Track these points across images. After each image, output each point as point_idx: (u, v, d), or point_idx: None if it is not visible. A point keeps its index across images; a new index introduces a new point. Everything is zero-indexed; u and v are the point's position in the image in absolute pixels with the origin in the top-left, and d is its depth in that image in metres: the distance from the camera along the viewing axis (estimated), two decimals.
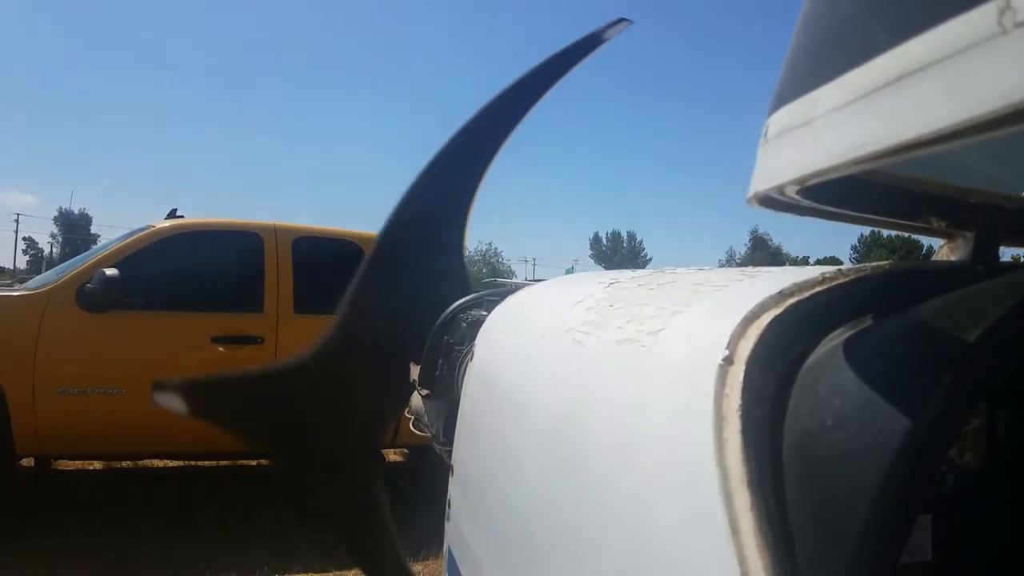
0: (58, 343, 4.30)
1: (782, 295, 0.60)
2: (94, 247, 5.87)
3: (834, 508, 0.48)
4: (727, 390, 0.54)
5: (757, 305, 0.60)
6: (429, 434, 1.78)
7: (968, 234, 0.78)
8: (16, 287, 4.71)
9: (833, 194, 0.64)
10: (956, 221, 0.76)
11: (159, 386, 1.53)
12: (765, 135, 0.56)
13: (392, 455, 6.29)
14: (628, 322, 0.76)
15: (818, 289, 0.60)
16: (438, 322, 1.82)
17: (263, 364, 4.70)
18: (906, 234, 0.90)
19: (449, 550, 1.27)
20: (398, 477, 5.98)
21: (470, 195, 1.84)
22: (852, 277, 0.62)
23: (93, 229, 74.02)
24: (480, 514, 1.08)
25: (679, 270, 0.92)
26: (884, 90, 0.40)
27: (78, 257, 5.17)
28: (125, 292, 4.34)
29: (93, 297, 4.29)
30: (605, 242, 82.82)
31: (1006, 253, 0.84)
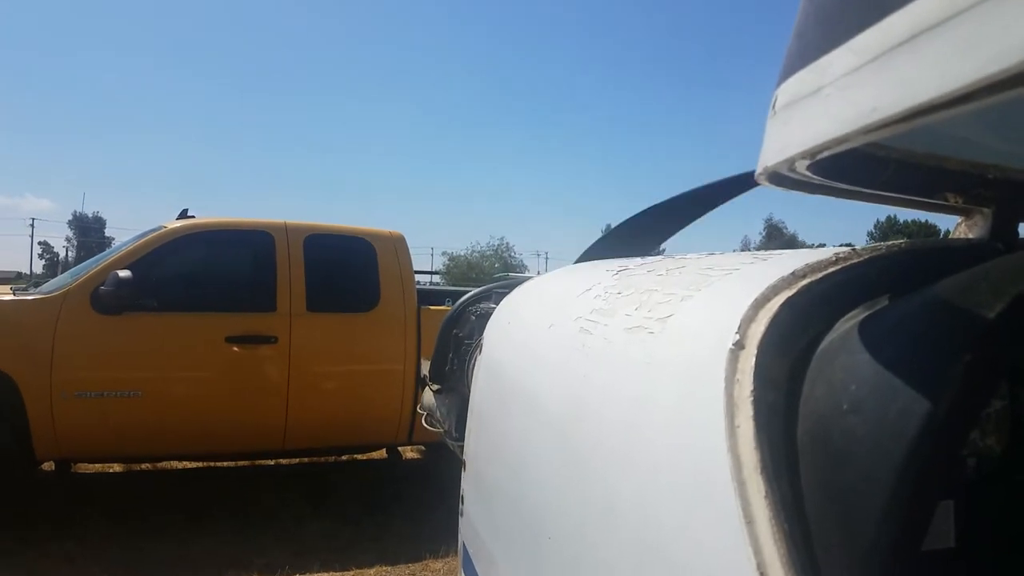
0: (74, 347, 4.30)
1: (795, 276, 0.58)
2: (108, 249, 5.89)
3: (852, 496, 0.46)
4: (738, 376, 0.53)
5: (769, 288, 0.58)
6: (442, 430, 1.77)
7: (986, 210, 0.76)
8: (31, 291, 4.73)
9: (846, 170, 0.62)
10: (974, 197, 0.74)
11: None
12: (773, 107, 0.54)
13: (409, 452, 6.30)
14: (636, 309, 0.75)
15: (832, 270, 0.59)
16: (447, 316, 1.81)
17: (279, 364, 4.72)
18: (924, 219, 0.88)
19: (464, 545, 1.26)
20: (415, 474, 5.99)
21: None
22: (867, 257, 0.60)
23: (107, 232, 74.78)
24: (493, 509, 1.07)
25: (689, 256, 0.90)
26: (897, 50, 0.38)
27: (91, 260, 5.20)
28: (138, 294, 4.34)
29: (107, 299, 4.29)
30: None
31: None
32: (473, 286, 2.52)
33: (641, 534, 0.59)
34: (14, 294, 4.60)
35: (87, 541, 4.19)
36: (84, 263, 5.27)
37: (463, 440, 1.35)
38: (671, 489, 0.56)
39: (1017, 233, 0.76)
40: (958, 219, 0.81)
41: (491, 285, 1.82)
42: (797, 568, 0.44)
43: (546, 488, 0.83)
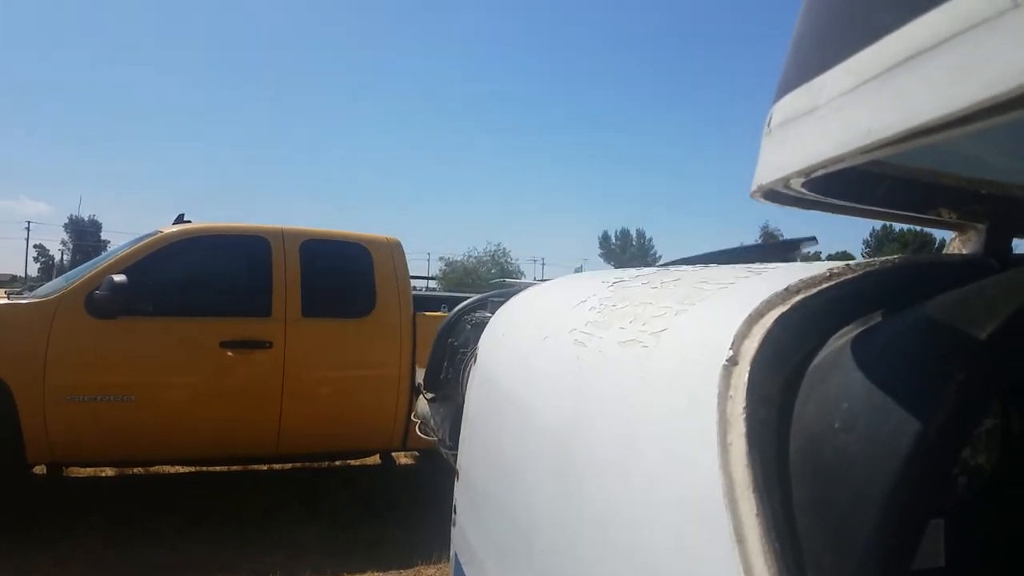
0: (68, 350, 4.28)
1: (788, 292, 0.58)
2: (104, 253, 5.88)
3: (843, 514, 0.46)
4: (731, 392, 0.53)
5: (762, 303, 0.58)
6: (436, 438, 1.77)
7: (980, 226, 0.76)
8: (26, 294, 4.72)
9: (840, 187, 0.62)
10: (968, 212, 0.74)
11: None
12: (768, 125, 0.54)
13: (402, 458, 6.28)
14: (631, 322, 0.74)
15: (826, 285, 0.59)
16: (442, 325, 1.81)
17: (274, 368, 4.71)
18: (918, 227, 0.88)
19: (455, 555, 1.26)
20: (409, 480, 5.97)
21: None
22: (861, 272, 0.60)
23: (103, 235, 74.60)
24: (485, 520, 1.07)
25: (684, 267, 0.90)
26: (893, 71, 0.38)
27: (87, 264, 5.18)
28: (134, 298, 4.33)
29: (102, 303, 4.28)
30: (614, 241, 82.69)
31: (1020, 245, 0.82)
32: (470, 292, 2.51)
33: (633, 549, 0.59)
34: (8, 297, 4.58)
35: (79, 545, 4.17)
36: (80, 267, 5.25)
37: (457, 449, 1.34)
38: (663, 505, 0.56)
39: (1011, 249, 0.76)
40: (953, 232, 0.82)
41: (487, 294, 1.82)
42: None
43: (539, 500, 0.82)
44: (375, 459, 5.72)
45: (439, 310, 5.45)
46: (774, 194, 0.60)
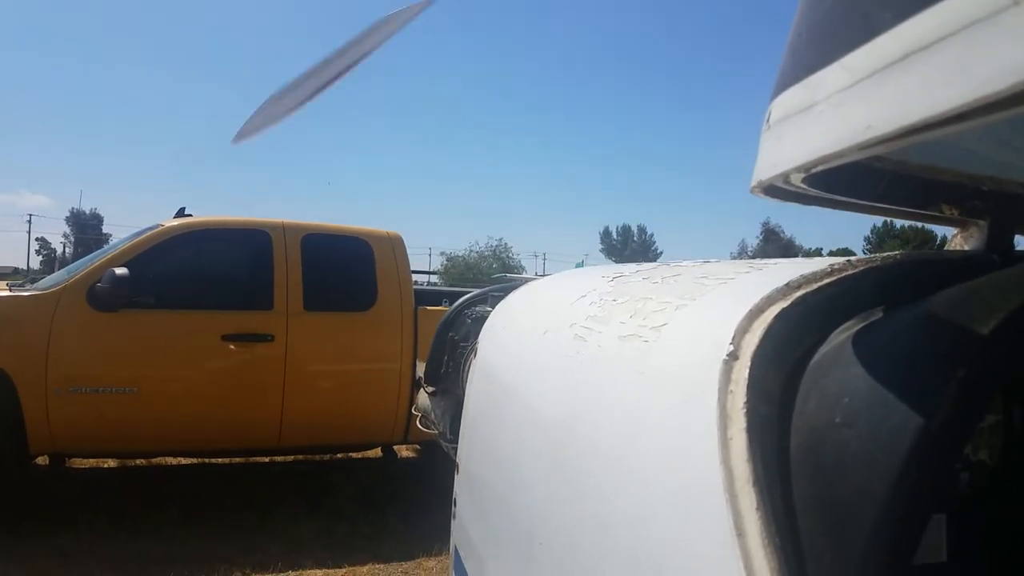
0: (69, 343, 4.29)
1: (789, 287, 0.58)
2: (105, 246, 5.88)
3: (844, 509, 0.46)
4: (732, 387, 0.53)
5: (763, 298, 0.58)
6: (436, 431, 1.77)
7: (982, 222, 0.76)
8: (27, 287, 4.72)
9: (840, 182, 0.62)
10: (969, 209, 0.74)
11: None
12: (767, 121, 0.54)
13: (404, 451, 6.30)
14: (631, 317, 0.74)
15: (827, 281, 0.58)
16: (443, 319, 1.81)
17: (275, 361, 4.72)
18: (919, 224, 0.88)
19: (455, 548, 1.26)
20: (410, 473, 5.99)
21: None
22: (862, 268, 0.60)
23: (105, 228, 74.69)
24: (485, 513, 1.07)
25: (685, 263, 0.90)
26: (890, 69, 0.38)
27: (88, 256, 5.18)
28: (135, 291, 4.33)
29: (103, 296, 4.28)
30: (616, 236, 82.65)
31: (1021, 242, 0.82)
32: (471, 287, 2.52)
33: (633, 543, 0.59)
34: (10, 290, 4.59)
35: (81, 536, 4.18)
36: (81, 260, 5.26)
37: (457, 442, 1.35)
38: (663, 499, 0.56)
39: (1013, 245, 0.76)
40: (954, 229, 0.82)
41: (487, 288, 1.82)
42: None
43: (538, 494, 0.82)
44: (376, 452, 5.74)
45: (440, 304, 5.46)
46: (774, 189, 0.60)
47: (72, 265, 5.24)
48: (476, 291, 1.87)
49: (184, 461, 5.81)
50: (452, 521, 1.30)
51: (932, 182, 0.67)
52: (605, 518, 0.65)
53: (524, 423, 0.93)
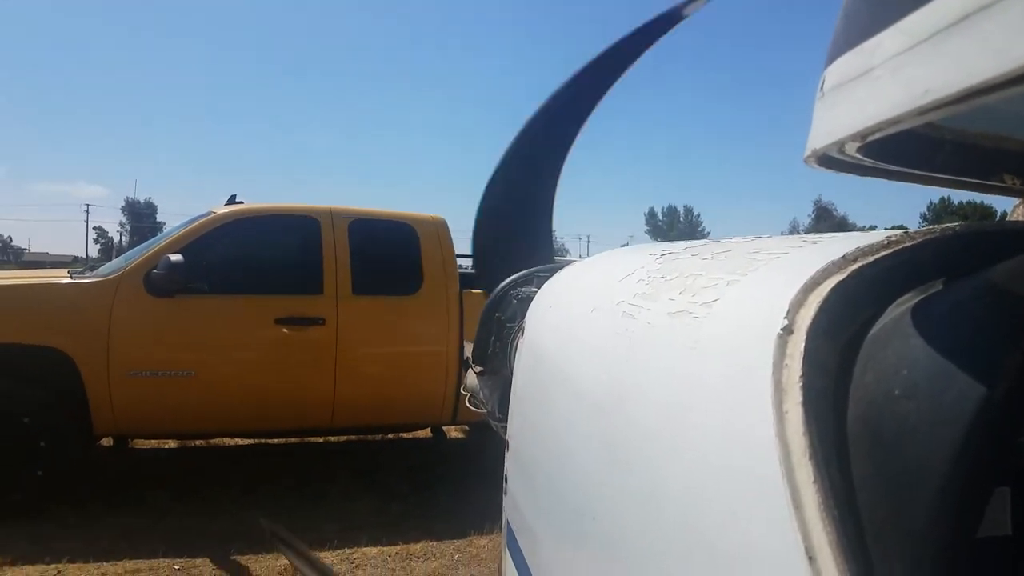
0: (129, 327, 4.45)
1: (845, 260, 0.57)
2: (160, 234, 6.04)
3: (904, 482, 0.45)
4: (787, 361, 0.52)
5: (819, 271, 0.57)
6: (485, 411, 1.79)
7: None
8: (87, 274, 4.89)
9: (897, 151, 0.60)
10: None
11: None
12: (822, 88, 0.53)
13: (453, 432, 6.37)
14: (680, 294, 0.74)
15: (884, 253, 0.57)
16: (490, 299, 1.82)
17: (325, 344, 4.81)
18: (979, 199, 0.85)
19: (507, 523, 1.28)
20: (460, 453, 6.06)
21: (555, 170, 1.85)
22: (920, 240, 0.59)
23: (159, 217, 76.84)
24: (535, 489, 1.08)
25: (735, 239, 0.89)
26: (949, 30, 0.37)
27: (144, 244, 5.34)
28: (190, 277, 4.47)
29: (160, 282, 4.42)
30: (661, 217, 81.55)
31: None
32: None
33: (686, 518, 0.60)
34: (72, 277, 4.76)
35: (143, 514, 4.35)
36: (137, 247, 5.43)
37: (506, 420, 1.36)
38: (716, 474, 0.56)
39: None
40: (1015, 201, 0.79)
41: (533, 269, 1.82)
42: (847, 553, 0.44)
43: (588, 470, 0.83)
44: (426, 433, 5.82)
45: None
46: (829, 160, 0.59)
47: (129, 252, 5.40)
48: (522, 272, 1.88)
49: (241, 442, 5.98)
50: (504, 497, 1.31)
51: (993, 151, 0.65)
52: (656, 493, 0.65)
53: (572, 400, 0.94)
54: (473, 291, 5.22)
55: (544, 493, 1.03)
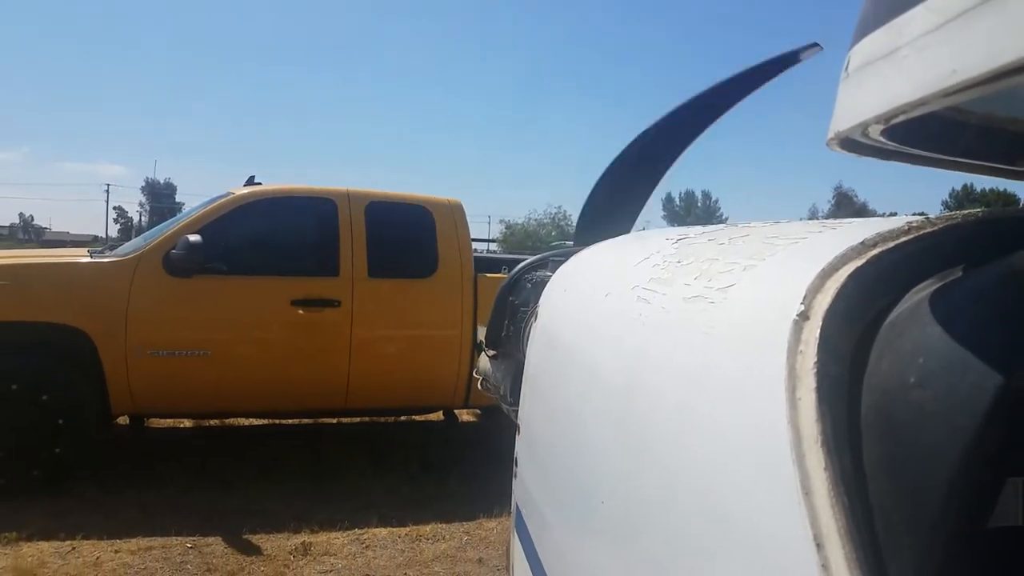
0: (147, 307, 4.49)
1: (864, 246, 0.56)
2: (179, 214, 6.09)
3: (916, 470, 0.44)
4: (802, 347, 0.51)
5: (837, 257, 0.56)
6: (497, 395, 1.80)
7: None
8: (107, 254, 4.93)
9: (922, 135, 0.59)
10: None
11: None
12: (846, 69, 0.52)
13: (465, 415, 6.40)
14: (696, 279, 0.73)
15: (904, 239, 0.56)
16: (504, 283, 1.82)
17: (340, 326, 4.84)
18: (1003, 187, 0.84)
19: (517, 507, 1.28)
20: (471, 437, 6.09)
21: (645, 195, 1.88)
22: (941, 226, 0.57)
23: (178, 197, 77.40)
24: (546, 473, 1.08)
25: (753, 224, 0.88)
26: (979, 9, 0.36)
27: (163, 224, 5.38)
28: (208, 257, 4.50)
29: (179, 262, 4.45)
30: (679, 202, 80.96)
31: None
32: (530, 254, 2.52)
33: (696, 502, 0.59)
34: (91, 256, 4.80)
35: (162, 492, 4.41)
36: (156, 227, 5.46)
37: (518, 405, 1.36)
38: (728, 459, 0.56)
39: None
40: None
41: (547, 253, 1.81)
42: (856, 541, 0.43)
43: (599, 454, 0.83)
44: (438, 416, 5.85)
45: (500, 271, 5.48)
46: (851, 143, 0.58)
47: (148, 232, 5.44)
48: (536, 256, 1.87)
49: (256, 422, 6.04)
50: (513, 480, 1.32)
51: (1020, 135, 0.64)
52: (668, 477, 0.65)
53: (585, 384, 0.94)
54: (488, 275, 5.22)
55: (554, 477, 1.03)
